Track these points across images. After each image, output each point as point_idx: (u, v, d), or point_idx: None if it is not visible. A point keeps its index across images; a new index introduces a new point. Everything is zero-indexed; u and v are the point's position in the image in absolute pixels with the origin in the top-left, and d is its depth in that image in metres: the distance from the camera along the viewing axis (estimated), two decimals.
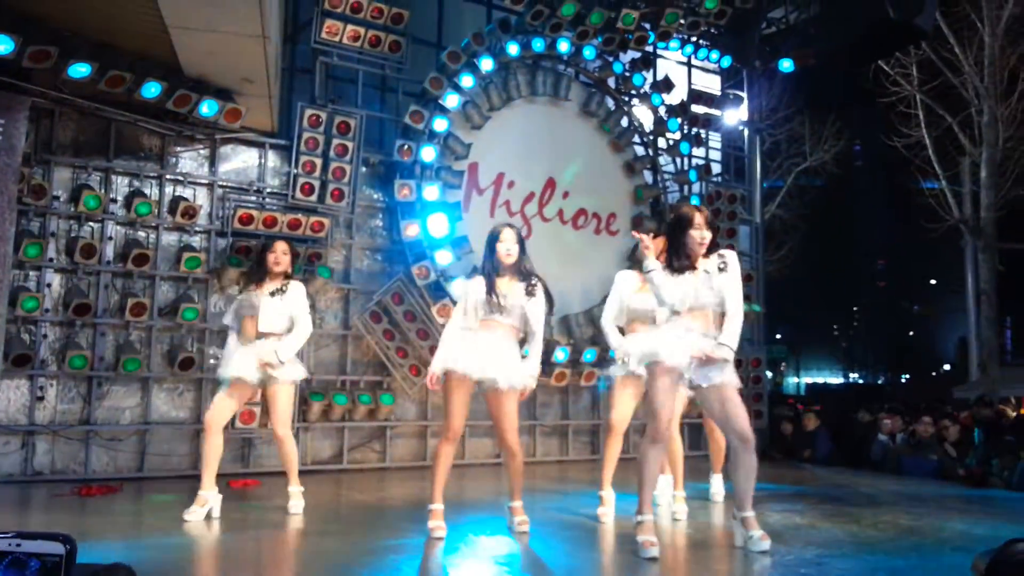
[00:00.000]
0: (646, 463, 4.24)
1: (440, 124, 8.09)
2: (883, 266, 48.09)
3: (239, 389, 5.09)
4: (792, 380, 42.98)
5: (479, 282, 4.65)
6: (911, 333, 47.50)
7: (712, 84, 11.08)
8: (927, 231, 17.71)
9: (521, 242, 4.66)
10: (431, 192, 7.89)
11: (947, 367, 41.31)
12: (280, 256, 5.33)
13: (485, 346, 4.49)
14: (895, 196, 33.77)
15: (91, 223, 6.83)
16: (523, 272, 4.63)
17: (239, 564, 4.01)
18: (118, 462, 6.73)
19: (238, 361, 5.08)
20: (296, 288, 5.30)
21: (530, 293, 4.56)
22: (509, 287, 4.57)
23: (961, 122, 15.72)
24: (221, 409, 5.08)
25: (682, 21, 9.50)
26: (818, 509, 5.73)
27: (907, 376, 44.14)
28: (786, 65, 10.58)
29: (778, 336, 34.59)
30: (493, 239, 4.63)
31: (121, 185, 7.02)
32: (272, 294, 5.23)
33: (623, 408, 5.29)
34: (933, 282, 41.22)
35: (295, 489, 5.29)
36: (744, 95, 11.24)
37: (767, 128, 16.83)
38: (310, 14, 7.88)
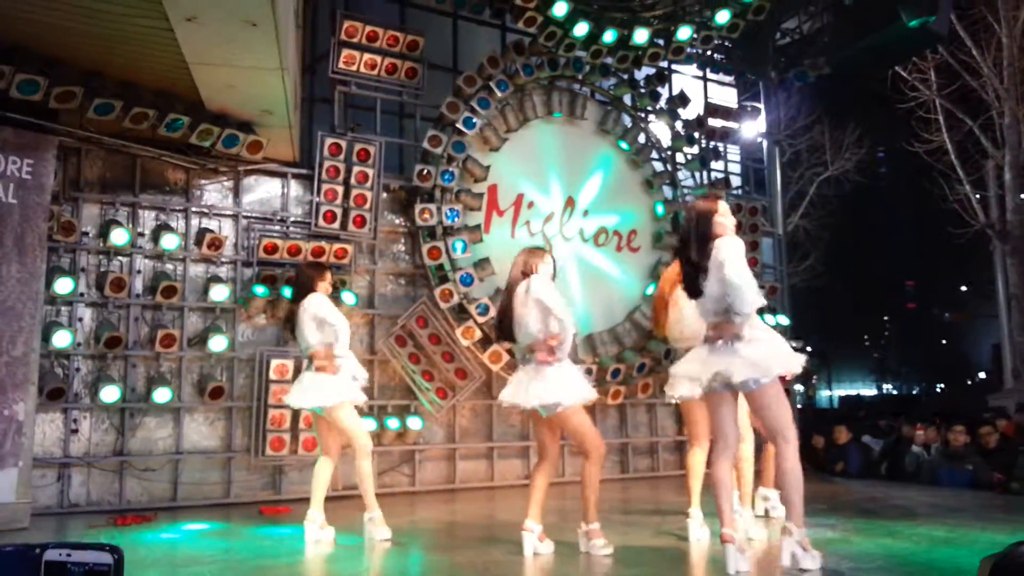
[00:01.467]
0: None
1: (458, 147, 8.17)
2: (912, 288, 47.47)
3: None
4: (824, 393, 42.47)
5: None
6: (944, 341, 46.79)
7: (729, 97, 11.11)
8: (955, 236, 17.50)
9: None
10: (451, 215, 7.96)
11: (982, 375, 40.62)
12: None
13: None
14: (921, 202, 33.48)
15: (120, 257, 6.96)
16: None
17: None
18: (152, 492, 6.81)
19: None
20: None
21: None
22: None
23: (982, 125, 15.56)
24: None
25: (695, 36, 9.55)
26: (851, 523, 5.66)
27: (942, 385, 43.44)
28: (802, 77, 10.58)
29: (808, 348, 34.26)
30: None
31: (148, 219, 7.16)
32: None
33: None
34: (964, 288, 40.68)
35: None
36: (761, 107, 11.25)
37: (786, 139, 16.78)
38: (327, 45, 8.02)
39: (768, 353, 3.96)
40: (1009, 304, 15.80)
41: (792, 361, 4.00)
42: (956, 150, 15.96)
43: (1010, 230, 15.45)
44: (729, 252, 3.97)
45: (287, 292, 6.72)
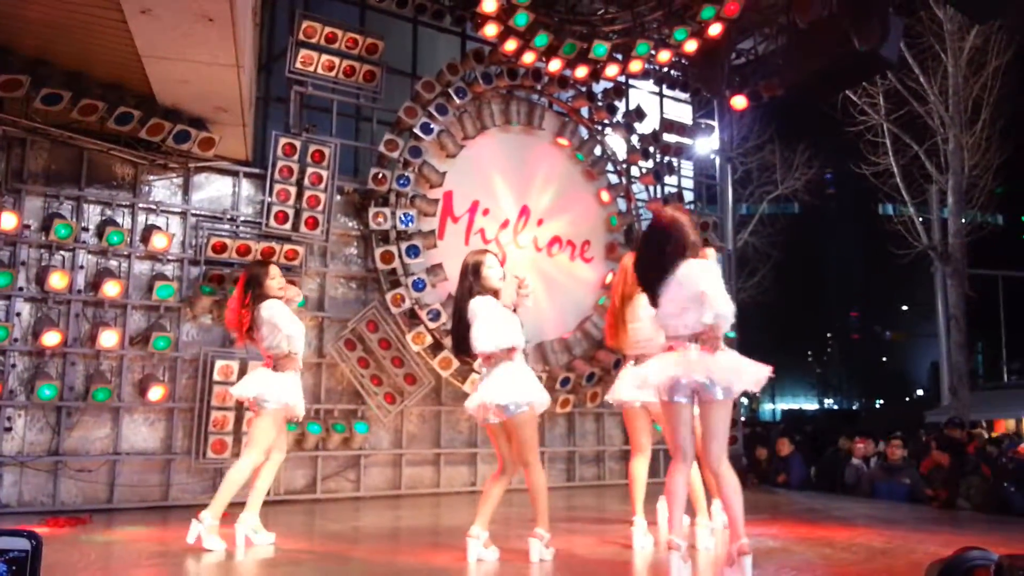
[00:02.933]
0: None
1: (414, 153, 8.14)
2: (856, 319, 48.60)
3: None
4: (768, 407, 43.16)
5: None
6: (884, 359, 47.96)
7: (684, 114, 11.25)
8: (898, 257, 18.00)
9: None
10: (406, 220, 7.93)
11: (920, 392, 41.70)
12: None
13: None
14: (866, 223, 34.30)
15: (62, 252, 6.78)
16: None
17: None
18: (87, 493, 6.63)
19: None
20: None
21: None
22: None
23: (927, 150, 16.04)
24: None
25: (652, 52, 9.65)
26: (792, 532, 5.75)
27: (881, 401, 44.50)
28: (739, 103, 10.67)
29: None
30: None
31: (93, 214, 6.99)
32: None
33: None
34: (905, 308, 41.76)
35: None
36: (715, 124, 11.43)
37: (739, 156, 17.09)
38: (285, 44, 7.94)
39: (743, 364, 4.00)
40: (948, 323, 16.28)
41: (762, 373, 4.04)
42: (902, 173, 16.41)
43: (951, 252, 15.93)
44: (710, 268, 4.01)
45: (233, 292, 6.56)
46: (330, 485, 7.63)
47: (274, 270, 5.28)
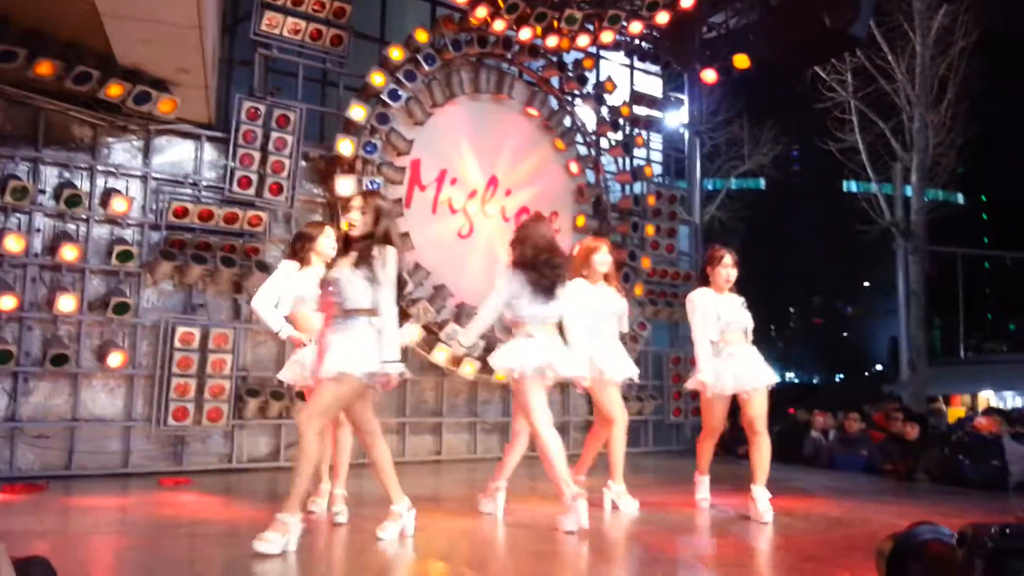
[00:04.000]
0: None
1: (382, 119, 8.03)
2: (818, 300, 49.26)
3: None
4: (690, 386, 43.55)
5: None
6: (845, 334, 48.72)
7: (654, 87, 11.22)
8: (861, 234, 18.23)
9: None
10: (371, 187, 7.83)
11: (879, 367, 42.48)
12: None
13: None
14: (831, 199, 34.66)
15: (18, 214, 6.61)
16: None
17: (166, 563, 3.90)
18: (45, 460, 6.53)
19: None
20: None
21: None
22: None
23: (893, 128, 16.18)
24: None
25: (624, 24, 9.59)
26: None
27: (841, 376, 45.26)
28: (709, 76, 10.70)
29: None
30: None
31: (50, 176, 6.82)
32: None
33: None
34: (867, 284, 42.41)
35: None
36: (685, 98, 11.42)
37: (707, 131, 17.09)
38: (250, 5, 7.75)
39: None
40: (908, 299, 16.54)
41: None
42: (867, 151, 16.56)
43: (913, 229, 16.15)
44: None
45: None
46: (293, 454, 7.58)
47: (329, 230, 5.06)
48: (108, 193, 6.91)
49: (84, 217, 6.86)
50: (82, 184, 6.89)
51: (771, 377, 5.22)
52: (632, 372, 5.51)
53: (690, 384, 5.30)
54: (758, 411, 5.12)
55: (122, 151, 7.18)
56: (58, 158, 6.84)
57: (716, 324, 5.16)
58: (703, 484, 5.72)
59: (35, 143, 6.72)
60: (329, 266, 4.36)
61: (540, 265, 4.67)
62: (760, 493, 5.05)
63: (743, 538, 4.57)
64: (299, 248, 4.97)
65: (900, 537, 1.43)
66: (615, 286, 5.53)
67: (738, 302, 5.31)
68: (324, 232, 5.02)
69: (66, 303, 6.50)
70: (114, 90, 6.38)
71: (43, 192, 6.73)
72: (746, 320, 5.27)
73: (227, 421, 7.05)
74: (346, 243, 4.22)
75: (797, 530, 4.81)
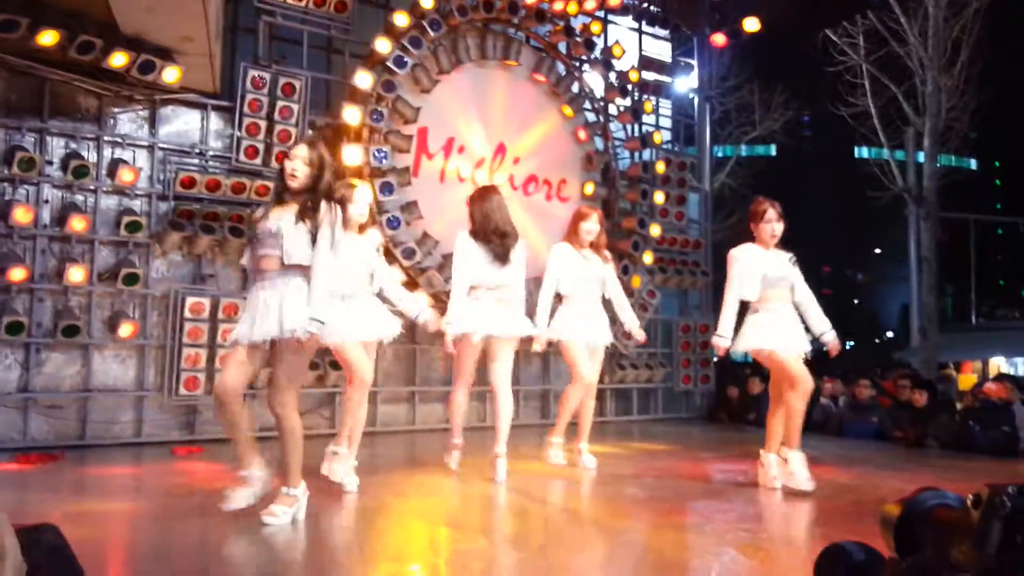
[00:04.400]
0: None
1: (388, 87, 7.97)
2: (827, 274, 48.96)
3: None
4: (739, 350, 43.60)
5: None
6: (856, 301, 48.55)
7: (663, 51, 11.09)
8: (873, 200, 18.08)
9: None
10: (379, 157, 7.79)
11: (890, 334, 42.37)
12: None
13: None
14: (842, 165, 34.37)
15: (26, 185, 6.61)
16: None
17: (178, 532, 3.94)
18: (59, 430, 6.58)
19: None
20: None
21: None
22: None
23: (905, 92, 15.99)
24: None
25: None
26: None
27: (852, 343, 45.17)
28: (719, 40, 10.61)
29: None
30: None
31: (57, 147, 6.80)
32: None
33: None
34: (878, 251, 42.16)
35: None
36: (694, 63, 11.29)
37: (717, 96, 16.93)
38: None
39: None
40: (920, 266, 16.44)
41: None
42: (879, 115, 16.38)
43: (926, 195, 16.01)
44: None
45: None
46: (305, 422, 7.59)
47: (358, 194, 5.06)
48: (115, 163, 6.90)
49: (92, 188, 6.85)
50: (89, 155, 6.88)
51: (805, 344, 5.09)
52: (606, 339, 5.88)
53: (740, 346, 5.15)
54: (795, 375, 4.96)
55: (128, 121, 7.16)
56: (64, 129, 6.82)
57: (758, 283, 5.03)
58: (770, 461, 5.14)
59: (41, 114, 6.70)
60: (258, 218, 3.99)
61: (489, 234, 5.09)
62: (797, 458, 4.92)
63: (751, 504, 4.57)
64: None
65: (907, 502, 1.41)
66: (600, 255, 5.85)
67: (785, 258, 5.16)
68: (357, 192, 5.04)
69: (76, 274, 6.52)
70: (118, 59, 6.33)
71: (50, 163, 6.72)
72: (794, 277, 5.12)
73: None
74: (281, 192, 3.94)
75: (806, 497, 4.80)
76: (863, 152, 24.09)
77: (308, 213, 3.79)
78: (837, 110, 16.99)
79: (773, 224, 5.11)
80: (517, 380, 8.96)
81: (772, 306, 5.04)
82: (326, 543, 3.78)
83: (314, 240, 3.78)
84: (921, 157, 16.23)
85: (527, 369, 9.03)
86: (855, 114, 16.72)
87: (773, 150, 36.17)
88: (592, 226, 5.78)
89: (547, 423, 8.93)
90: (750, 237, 5.25)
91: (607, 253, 5.99)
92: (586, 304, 5.78)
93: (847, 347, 44.47)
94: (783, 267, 5.11)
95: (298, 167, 3.84)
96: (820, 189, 43.37)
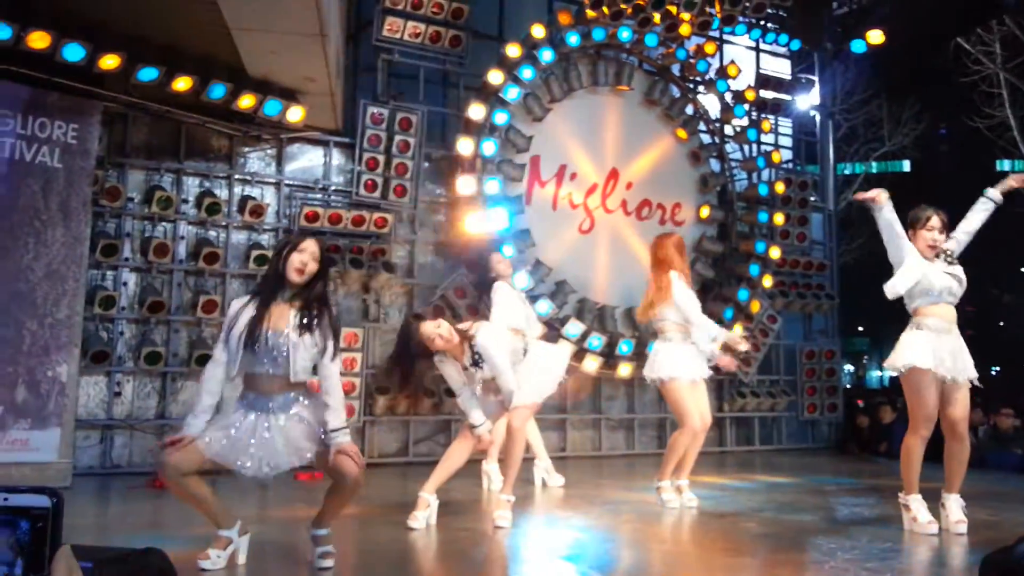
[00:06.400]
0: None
1: (501, 117, 8.08)
2: (972, 313, 46.20)
3: None
4: (875, 374, 41.63)
5: None
6: (1001, 323, 45.52)
7: (783, 68, 10.80)
8: (1016, 215, 16.94)
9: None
10: (492, 186, 7.88)
11: None
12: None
13: None
14: (981, 179, 32.41)
15: (164, 223, 7.04)
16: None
17: (296, 558, 4.03)
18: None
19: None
20: None
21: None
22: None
23: None
24: None
25: (747, 3, 9.28)
26: (891, 503, 5.47)
27: (997, 368, 42.34)
28: (858, 45, 10.28)
29: (860, 328, 33.58)
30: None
31: (192, 186, 7.23)
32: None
33: None
34: (1023, 270, 39.41)
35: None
36: (816, 79, 10.93)
37: (841, 112, 16.33)
38: (372, 12, 7.95)
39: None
40: None
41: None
42: (1019, 126, 15.40)
43: None
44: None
45: None
46: (421, 449, 7.75)
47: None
48: (245, 200, 7.26)
49: (223, 224, 7.23)
50: (221, 192, 7.27)
51: (973, 371, 4.52)
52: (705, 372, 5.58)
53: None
54: (962, 411, 4.51)
55: (257, 159, 7.53)
56: (199, 168, 7.24)
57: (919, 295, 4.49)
58: (917, 502, 4.59)
59: (178, 155, 7.14)
60: (262, 312, 3.43)
61: None
62: (954, 502, 4.54)
63: (876, 541, 4.31)
64: None
65: (1001, 555, 1.28)
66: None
67: (953, 270, 4.57)
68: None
69: (209, 306, 6.87)
70: (246, 101, 6.68)
71: (186, 201, 7.14)
72: (958, 290, 4.54)
73: (359, 417, 7.26)
74: (275, 286, 3.49)
75: (940, 531, 4.47)
76: (1004, 165, 22.72)
77: (311, 320, 3.45)
78: (972, 122, 16.08)
79: (935, 233, 4.57)
80: (632, 408, 8.84)
81: (938, 324, 4.51)
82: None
83: (320, 353, 3.46)
84: None
85: (642, 397, 8.87)
86: (993, 125, 15.78)
87: (906, 166, 34.56)
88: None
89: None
90: (882, 258, 4.79)
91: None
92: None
93: (991, 372, 41.79)
94: (949, 280, 4.53)
95: (309, 262, 3.47)
96: (958, 205, 41.05)
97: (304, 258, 3.46)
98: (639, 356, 8.40)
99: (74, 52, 5.68)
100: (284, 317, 3.44)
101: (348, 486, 3.45)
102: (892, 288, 4.53)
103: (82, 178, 6.04)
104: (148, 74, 6.06)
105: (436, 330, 4.45)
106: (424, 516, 4.57)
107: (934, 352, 4.42)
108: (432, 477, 4.69)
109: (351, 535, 4.49)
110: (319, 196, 7.66)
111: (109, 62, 5.83)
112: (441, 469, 4.70)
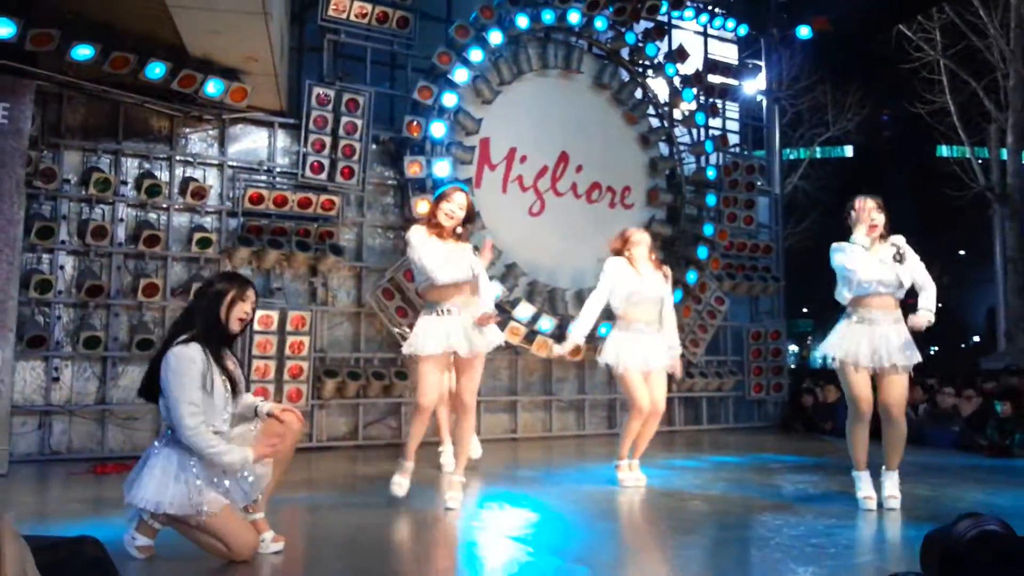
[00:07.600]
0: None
1: (450, 99, 8.01)
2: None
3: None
4: (818, 355, 42.57)
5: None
6: (939, 304, 46.83)
7: (729, 54, 10.89)
8: (954, 199, 17.41)
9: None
10: (442, 168, 7.82)
11: (976, 338, 40.74)
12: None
13: None
14: (921, 165, 33.26)
15: (102, 205, 6.85)
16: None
17: None
18: (135, 440, 6.76)
19: None
20: None
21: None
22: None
23: (986, 87, 15.37)
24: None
25: None
26: (835, 480, 5.64)
27: (935, 348, 43.59)
28: (803, 32, 10.44)
29: (804, 310, 34.25)
30: None
31: (131, 167, 7.05)
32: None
33: None
34: (961, 252, 40.57)
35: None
36: (762, 64, 11.05)
37: (787, 97, 16.56)
38: None
39: None
40: (1006, 267, 15.76)
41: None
42: (958, 112, 15.79)
43: (1010, 193, 15.35)
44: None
45: None
46: (371, 432, 7.71)
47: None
48: (186, 182, 7.10)
49: (164, 206, 7.07)
50: (161, 174, 7.10)
51: (912, 357, 4.56)
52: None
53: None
54: (894, 396, 4.56)
55: (198, 141, 7.37)
56: (138, 150, 7.05)
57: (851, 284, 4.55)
58: (861, 479, 4.69)
59: (116, 136, 6.94)
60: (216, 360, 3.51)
61: None
62: (889, 479, 4.63)
63: (821, 518, 4.40)
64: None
65: (949, 538, 1.30)
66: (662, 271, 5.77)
67: (890, 254, 4.61)
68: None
69: (150, 290, 6.72)
70: (187, 81, 6.52)
71: (125, 183, 6.96)
72: (902, 278, 4.58)
73: (306, 401, 7.18)
74: (220, 335, 3.57)
75: (881, 511, 4.59)
76: (943, 151, 23.32)
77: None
78: (914, 108, 16.44)
79: (871, 213, 4.59)
80: (583, 389, 8.90)
81: (871, 315, 4.59)
82: None
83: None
84: (1004, 154, 15.55)
85: (593, 378, 8.93)
86: (933, 111, 16.16)
87: (849, 151, 35.27)
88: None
89: (615, 432, 8.85)
90: (826, 242, 4.85)
91: (667, 270, 5.75)
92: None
93: (931, 352, 42.99)
94: (885, 267, 4.60)
95: (251, 312, 3.66)
96: (899, 189, 42.05)
97: (247, 308, 3.58)
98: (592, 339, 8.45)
99: (3, 27, 5.47)
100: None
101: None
102: (840, 295, 4.73)
103: (14, 159, 5.83)
104: (83, 52, 5.87)
105: None
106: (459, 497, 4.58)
107: (857, 343, 4.55)
108: (459, 462, 4.77)
109: (300, 519, 4.44)
110: (264, 178, 7.53)
111: (42, 39, 5.63)
112: (459, 449, 4.83)
